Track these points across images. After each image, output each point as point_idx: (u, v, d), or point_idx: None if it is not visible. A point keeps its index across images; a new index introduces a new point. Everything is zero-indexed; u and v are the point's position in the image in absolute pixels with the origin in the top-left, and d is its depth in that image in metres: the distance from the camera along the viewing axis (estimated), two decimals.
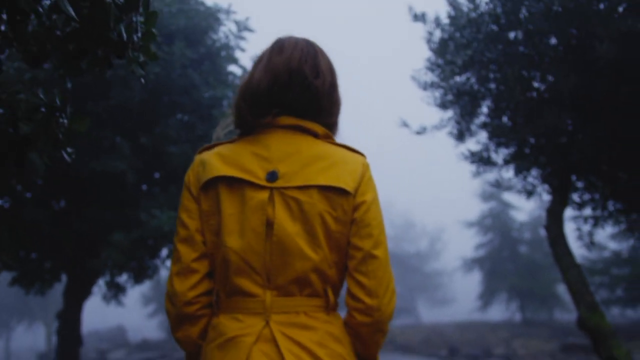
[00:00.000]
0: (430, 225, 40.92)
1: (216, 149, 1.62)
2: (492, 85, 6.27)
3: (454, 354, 12.11)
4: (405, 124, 6.53)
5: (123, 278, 9.83)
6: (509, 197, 28.26)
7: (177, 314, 1.55)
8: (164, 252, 9.62)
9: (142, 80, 2.56)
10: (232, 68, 9.30)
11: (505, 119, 6.46)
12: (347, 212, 1.52)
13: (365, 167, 1.59)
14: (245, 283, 1.49)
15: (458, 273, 31.50)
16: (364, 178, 1.57)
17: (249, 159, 1.54)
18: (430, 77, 6.60)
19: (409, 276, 35.75)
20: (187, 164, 8.24)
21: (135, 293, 25.99)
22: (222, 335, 1.48)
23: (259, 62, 1.67)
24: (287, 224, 1.48)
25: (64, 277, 9.67)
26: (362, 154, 1.63)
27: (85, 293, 9.57)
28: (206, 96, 8.41)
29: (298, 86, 1.58)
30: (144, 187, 8.75)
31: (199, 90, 8.43)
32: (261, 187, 1.51)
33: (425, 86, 6.70)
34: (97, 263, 7.98)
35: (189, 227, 1.56)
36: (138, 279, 9.54)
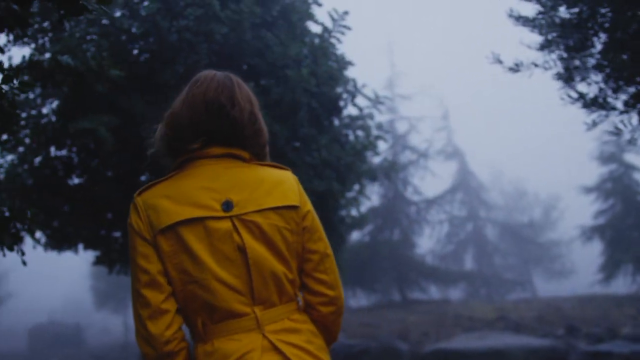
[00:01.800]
0: (543, 192, 38.48)
1: (159, 191, 1.69)
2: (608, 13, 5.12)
3: (573, 334, 10.84)
4: (498, 60, 5.53)
5: None
6: (631, 157, 25.74)
7: (157, 355, 1.62)
8: None
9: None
10: (309, 24, 8.57)
11: (625, 56, 5.31)
12: (298, 223, 1.74)
13: (296, 181, 1.81)
14: (234, 305, 1.63)
15: (576, 243, 29.36)
16: (300, 191, 1.79)
17: (200, 194, 1.65)
18: (531, 9, 5.53)
19: (522, 247, 33.78)
20: None
21: None
22: (227, 357, 1.59)
23: (180, 95, 1.81)
24: (255, 246, 1.65)
25: None
26: (287, 169, 1.82)
27: None
28: (280, 56, 7.72)
29: (215, 116, 1.72)
30: None
31: (273, 52, 7.76)
32: (220, 218, 1.64)
33: (525, 22, 5.64)
34: None
35: (149, 271, 1.64)
36: None
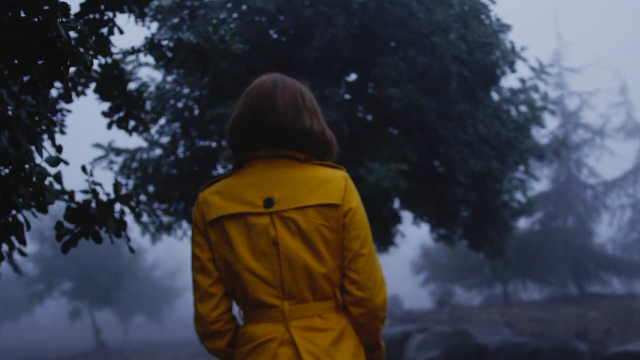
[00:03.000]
0: None
1: (215, 187, 1.85)
2: None
3: None
4: None
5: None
6: None
7: (205, 332, 1.82)
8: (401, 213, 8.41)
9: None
10: None
11: None
12: (338, 220, 1.76)
13: (346, 179, 1.83)
14: (265, 297, 1.74)
15: None
16: (347, 189, 1.81)
17: (246, 191, 1.79)
18: None
19: None
20: (410, 109, 6.94)
21: (404, 261, 25.45)
22: (252, 341, 1.74)
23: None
24: (289, 242, 1.73)
25: None
26: (341, 169, 1.86)
27: None
28: (425, 23, 6.93)
29: (259, 120, 1.81)
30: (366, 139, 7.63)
31: (417, 19, 6.99)
32: (261, 214, 1.75)
33: None
34: None
35: (201, 258, 1.82)
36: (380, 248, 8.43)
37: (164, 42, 4.39)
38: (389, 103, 7.01)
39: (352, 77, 7.85)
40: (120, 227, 3.31)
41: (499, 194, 8.23)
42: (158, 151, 7.98)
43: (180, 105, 7.47)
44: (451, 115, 7.39)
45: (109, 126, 4.23)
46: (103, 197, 3.17)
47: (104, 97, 4.10)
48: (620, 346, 9.47)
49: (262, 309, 1.74)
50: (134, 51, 4.31)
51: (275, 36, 7.54)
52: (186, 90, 7.56)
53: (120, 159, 7.72)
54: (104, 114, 4.15)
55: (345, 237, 1.76)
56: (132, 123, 4.31)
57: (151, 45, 4.35)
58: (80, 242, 3.14)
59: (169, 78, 7.70)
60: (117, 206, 3.26)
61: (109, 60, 3.99)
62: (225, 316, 1.81)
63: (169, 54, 4.38)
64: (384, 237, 7.67)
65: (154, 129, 7.64)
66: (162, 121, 7.57)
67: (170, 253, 31.90)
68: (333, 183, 1.78)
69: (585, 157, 21.42)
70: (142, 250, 27.79)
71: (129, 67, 6.84)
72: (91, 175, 3.17)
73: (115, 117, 4.17)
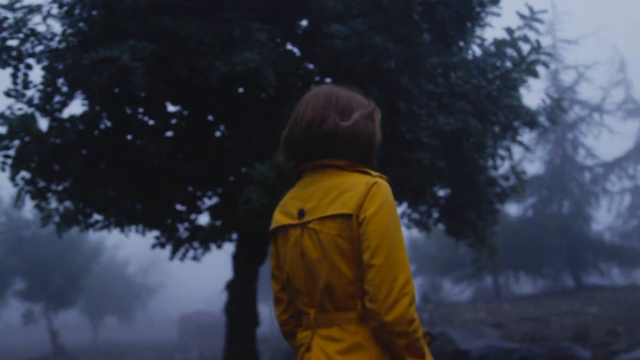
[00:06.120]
0: None
1: (282, 200, 1.94)
2: None
3: None
4: None
5: None
6: None
7: (281, 332, 2.00)
8: None
9: None
10: None
11: None
12: (353, 230, 1.72)
13: (369, 186, 1.74)
14: (299, 304, 1.85)
15: None
16: (368, 196, 1.73)
17: (291, 204, 1.87)
18: None
19: None
20: (360, 50, 5.30)
21: None
22: (296, 345, 1.88)
23: None
24: (311, 252, 1.77)
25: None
26: (374, 175, 1.79)
27: (260, 254, 7.09)
28: None
29: (303, 132, 1.84)
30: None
31: None
32: (295, 225, 1.82)
33: None
34: (241, 209, 5.36)
35: (272, 265, 1.95)
36: None
37: None
38: (333, 44, 5.32)
39: (286, 15, 6.13)
40: None
41: (478, 166, 6.57)
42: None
43: (58, 46, 5.75)
44: (416, 61, 5.68)
45: None
46: None
47: None
48: (629, 353, 7.80)
49: (302, 315, 1.86)
50: None
51: None
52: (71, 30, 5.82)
53: None
54: None
55: (361, 247, 1.72)
56: None
57: None
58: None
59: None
60: None
61: None
62: (294, 320, 1.94)
63: None
64: None
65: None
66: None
67: (145, 248, 30.24)
68: (353, 191, 1.75)
69: (582, 136, 19.79)
70: (116, 246, 26.16)
71: None
72: None
73: None
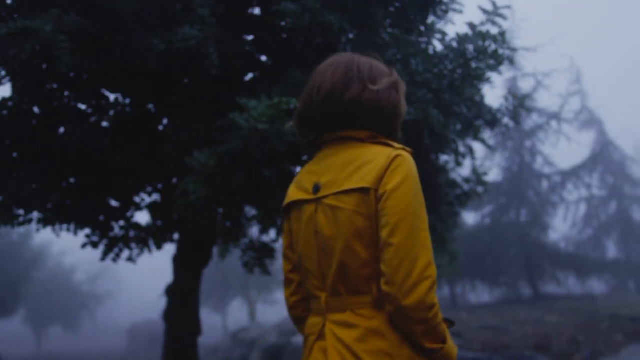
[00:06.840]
0: None
1: (297, 175, 1.81)
2: None
3: None
4: None
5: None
6: None
7: (290, 316, 1.86)
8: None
9: None
10: None
11: None
12: (370, 206, 1.57)
13: (391, 158, 1.60)
14: (311, 287, 1.69)
15: None
16: (389, 169, 1.58)
17: (306, 178, 1.73)
18: None
19: None
20: (312, 29, 4.86)
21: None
22: (304, 333, 1.74)
23: None
24: (325, 230, 1.62)
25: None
26: (397, 147, 1.64)
27: (204, 256, 6.51)
28: None
29: (313, 105, 1.70)
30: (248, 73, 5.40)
31: None
32: (309, 201, 1.68)
33: None
34: (177, 203, 4.79)
35: (284, 245, 1.83)
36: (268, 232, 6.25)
37: None
38: (283, 24, 4.83)
39: None
40: None
41: (438, 166, 6.17)
42: None
43: None
44: (373, 43, 5.22)
45: None
46: None
47: None
48: None
49: (313, 300, 1.71)
50: None
51: None
52: None
53: None
54: None
55: (379, 224, 1.55)
56: None
57: None
58: None
59: None
60: None
61: None
62: (304, 303, 1.79)
63: None
64: (270, 216, 5.41)
65: None
66: None
67: (94, 254, 29.10)
68: (373, 164, 1.59)
69: (540, 143, 19.70)
70: (62, 252, 25.02)
71: None
72: None
73: None
